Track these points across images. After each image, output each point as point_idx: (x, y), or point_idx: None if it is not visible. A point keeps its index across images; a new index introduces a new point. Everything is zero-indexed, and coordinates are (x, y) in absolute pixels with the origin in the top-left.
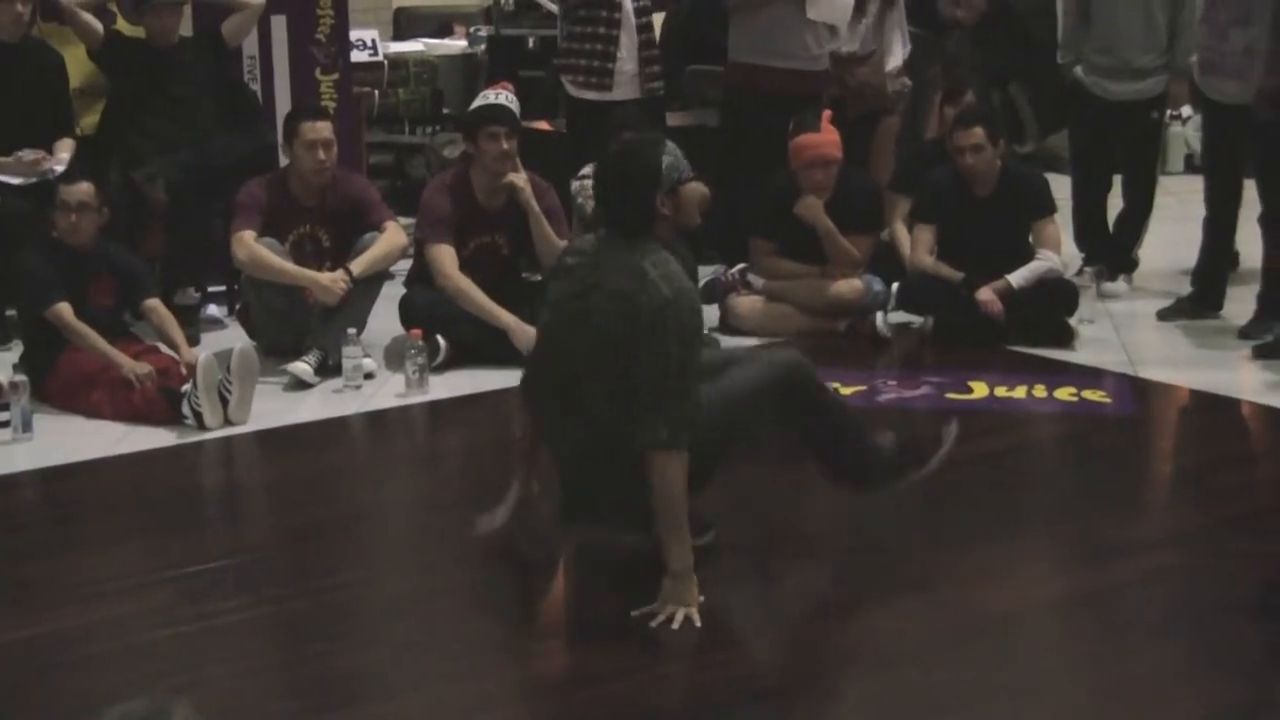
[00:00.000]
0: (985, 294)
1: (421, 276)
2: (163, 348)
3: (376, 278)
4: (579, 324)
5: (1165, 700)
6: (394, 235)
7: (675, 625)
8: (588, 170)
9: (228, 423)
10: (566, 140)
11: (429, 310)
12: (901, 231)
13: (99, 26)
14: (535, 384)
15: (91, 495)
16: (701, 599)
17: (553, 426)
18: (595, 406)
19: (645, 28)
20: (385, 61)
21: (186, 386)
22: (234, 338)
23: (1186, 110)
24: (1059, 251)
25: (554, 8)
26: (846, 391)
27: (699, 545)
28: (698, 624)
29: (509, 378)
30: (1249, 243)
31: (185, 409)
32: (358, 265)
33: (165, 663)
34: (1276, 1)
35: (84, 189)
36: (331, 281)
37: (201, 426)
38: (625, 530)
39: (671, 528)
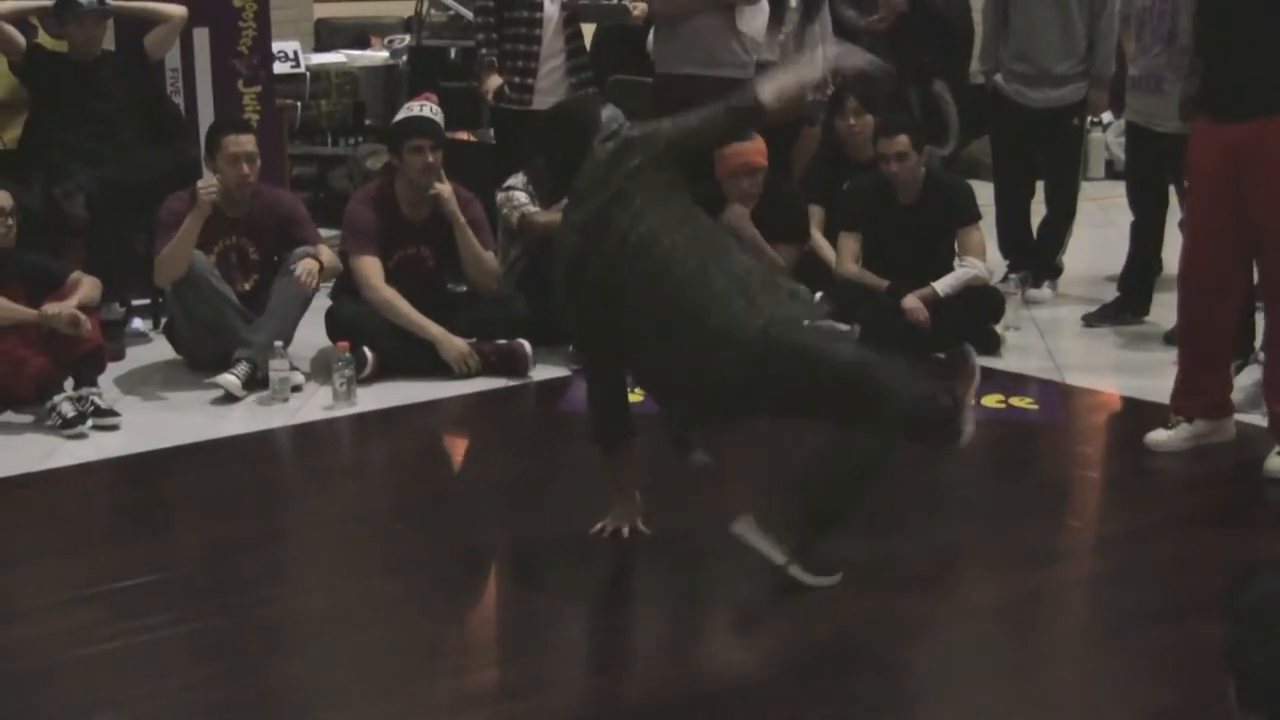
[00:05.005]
0: (911, 302)
1: (348, 289)
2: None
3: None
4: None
5: (1094, 707)
6: (334, 260)
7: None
8: (513, 181)
9: None
10: (493, 151)
11: (355, 322)
12: (819, 240)
13: (20, 39)
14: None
15: (15, 511)
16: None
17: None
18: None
19: (574, 35)
20: (307, 73)
21: (58, 397)
22: (159, 352)
23: (1107, 116)
24: (984, 259)
25: (468, 14)
26: None
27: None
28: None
29: (436, 389)
30: (1172, 249)
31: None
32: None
33: (91, 681)
34: (1193, 15)
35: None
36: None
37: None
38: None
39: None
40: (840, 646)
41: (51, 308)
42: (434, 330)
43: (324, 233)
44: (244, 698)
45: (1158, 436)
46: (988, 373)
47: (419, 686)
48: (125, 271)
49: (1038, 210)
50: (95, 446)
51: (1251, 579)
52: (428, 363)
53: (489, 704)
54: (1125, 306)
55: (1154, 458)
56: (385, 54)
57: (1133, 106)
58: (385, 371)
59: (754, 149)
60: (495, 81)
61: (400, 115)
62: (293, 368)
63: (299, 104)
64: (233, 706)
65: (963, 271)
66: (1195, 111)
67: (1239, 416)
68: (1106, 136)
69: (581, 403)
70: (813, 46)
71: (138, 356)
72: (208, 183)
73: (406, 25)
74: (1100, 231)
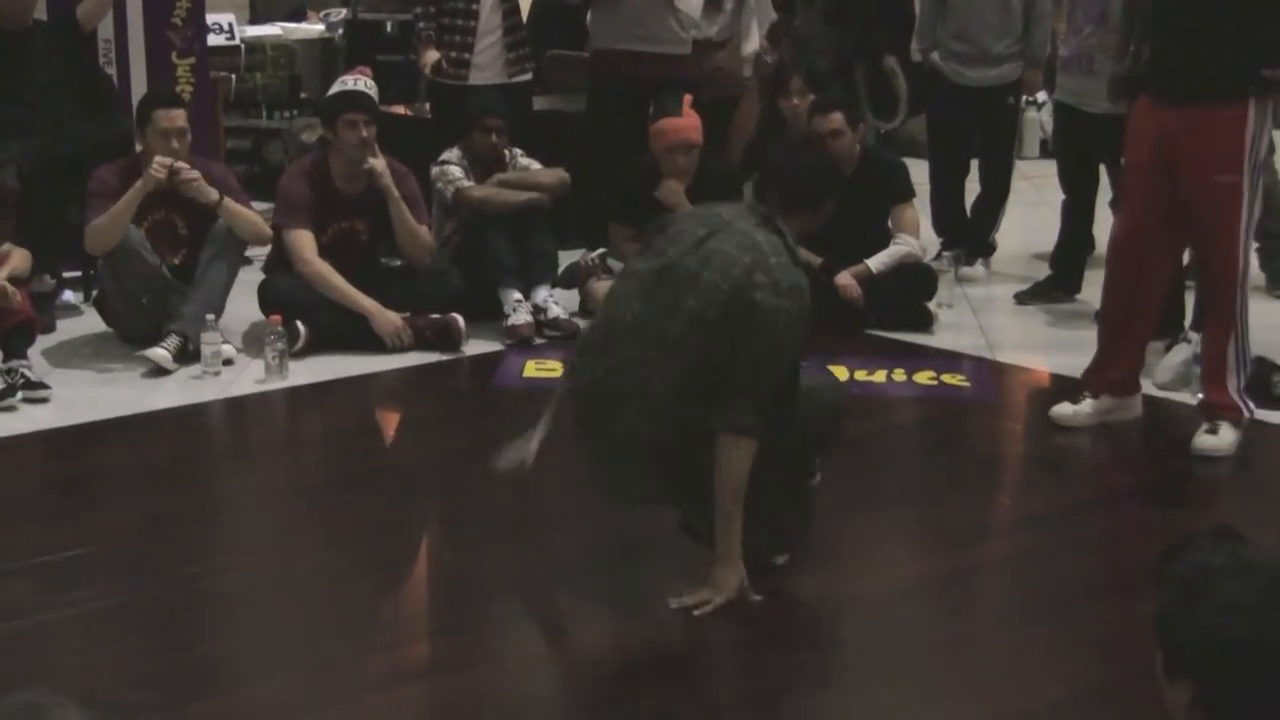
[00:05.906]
0: (844, 278)
1: (280, 262)
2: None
3: (234, 260)
4: (672, 290)
5: (1023, 682)
6: (261, 222)
7: (704, 610)
8: (448, 155)
9: None
10: (429, 126)
11: (288, 295)
12: None
13: None
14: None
15: None
16: (758, 598)
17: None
18: (658, 388)
19: (511, 11)
20: (242, 45)
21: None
22: (90, 325)
23: (1042, 96)
24: (917, 236)
25: None
26: None
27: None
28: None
29: (369, 364)
30: (1103, 227)
31: None
32: (229, 204)
33: (22, 654)
34: None
35: None
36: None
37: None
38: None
39: (726, 513)
40: (774, 622)
41: None
42: (367, 304)
43: (258, 206)
44: (175, 671)
45: (1063, 410)
46: (920, 349)
47: (353, 661)
48: (57, 243)
49: (972, 188)
50: (25, 419)
51: (1182, 550)
52: (361, 337)
53: (424, 678)
54: (1057, 285)
55: (1078, 435)
56: (321, 27)
57: (1063, 86)
58: (318, 345)
59: (690, 125)
60: (432, 56)
61: (334, 89)
62: (224, 341)
63: (234, 76)
64: (164, 680)
65: (896, 249)
66: (1136, 91)
67: (1169, 395)
68: (1041, 116)
69: (514, 377)
70: (748, 19)
71: (68, 329)
72: (163, 161)
73: None
74: (1034, 210)
